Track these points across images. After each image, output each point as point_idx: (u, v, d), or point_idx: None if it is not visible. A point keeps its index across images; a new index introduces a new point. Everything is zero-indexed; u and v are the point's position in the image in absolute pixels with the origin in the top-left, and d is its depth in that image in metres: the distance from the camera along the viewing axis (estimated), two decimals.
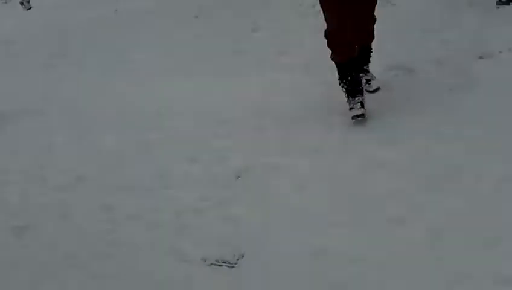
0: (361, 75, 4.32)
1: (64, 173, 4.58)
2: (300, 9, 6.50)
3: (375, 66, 4.61)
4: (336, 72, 4.23)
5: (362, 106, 4.06)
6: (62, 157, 4.86)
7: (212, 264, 3.21)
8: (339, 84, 4.22)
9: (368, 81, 4.44)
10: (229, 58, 6.01)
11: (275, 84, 5.15)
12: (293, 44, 5.91)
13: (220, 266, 3.19)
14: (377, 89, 4.46)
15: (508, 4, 5.28)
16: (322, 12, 4.10)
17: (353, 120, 4.06)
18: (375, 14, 4.18)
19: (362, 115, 4.03)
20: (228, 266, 3.16)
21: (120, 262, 3.43)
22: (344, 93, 4.18)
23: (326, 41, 4.14)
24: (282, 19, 6.65)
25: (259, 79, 5.43)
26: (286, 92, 4.89)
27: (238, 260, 3.19)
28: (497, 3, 5.31)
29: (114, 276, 3.33)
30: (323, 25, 4.15)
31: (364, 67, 4.45)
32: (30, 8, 13.67)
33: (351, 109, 4.08)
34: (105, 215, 3.91)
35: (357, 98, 4.08)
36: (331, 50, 4.15)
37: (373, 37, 4.33)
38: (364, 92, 4.25)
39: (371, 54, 4.49)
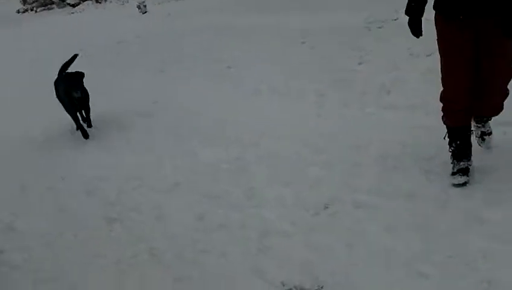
0: (476, 125, 4.03)
1: (163, 177, 4.83)
2: (412, 50, 6.42)
3: None
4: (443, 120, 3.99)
5: (466, 173, 3.78)
6: (163, 161, 5.13)
7: (290, 289, 3.23)
8: (446, 141, 3.97)
9: (482, 134, 4.07)
10: (331, 88, 6.07)
11: (376, 121, 5.14)
12: (399, 82, 5.87)
13: None
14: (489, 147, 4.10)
15: None
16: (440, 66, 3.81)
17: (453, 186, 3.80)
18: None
19: (464, 184, 3.75)
20: None
21: (203, 270, 3.54)
22: (450, 154, 3.94)
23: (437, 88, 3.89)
24: (391, 56, 6.63)
25: (360, 113, 5.45)
26: (387, 130, 4.85)
27: None
28: None
29: (196, 281, 3.44)
30: (438, 71, 4.03)
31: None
32: (146, 12, 14.59)
33: (453, 174, 3.81)
34: (197, 223, 4.05)
35: (462, 163, 3.80)
36: (443, 113, 3.88)
37: (501, 109, 3.88)
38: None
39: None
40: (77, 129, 6.09)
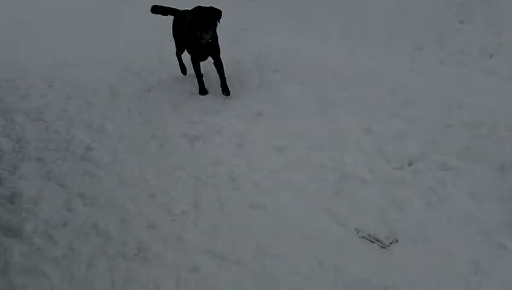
0: None
1: (247, 105, 4.90)
2: None
3: None
4: None
5: None
6: (248, 91, 5.14)
7: (364, 237, 3.24)
8: None
9: None
10: (429, 43, 5.82)
11: (472, 84, 4.94)
12: (503, 48, 5.56)
13: (371, 242, 3.20)
14: None
15: None
16: None
17: None
18: None
19: None
20: (380, 245, 3.17)
21: (278, 201, 3.60)
22: None
23: None
24: (498, 19, 6.24)
25: (456, 73, 5.23)
26: (482, 95, 4.67)
27: (391, 243, 3.18)
28: None
29: (269, 210, 3.51)
30: None
31: None
32: None
33: None
34: (277, 155, 4.10)
35: None
36: None
37: None
38: None
39: None
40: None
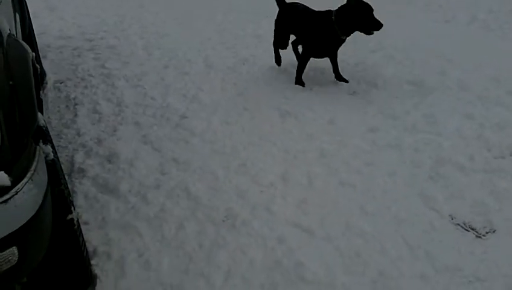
0: None
1: (339, 87, 4.78)
2: None
3: None
4: None
5: None
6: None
7: (458, 224, 3.10)
8: None
9: None
10: None
11: None
12: None
13: (466, 230, 3.06)
14: None
15: None
16: None
17: None
18: None
19: None
20: (475, 235, 3.02)
21: (366, 179, 3.52)
22: None
23: None
24: None
25: None
26: None
27: (487, 233, 3.03)
28: None
29: (359, 189, 3.45)
30: None
31: None
32: None
33: None
34: (369, 135, 4.01)
35: None
36: None
37: None
38: None
39: None
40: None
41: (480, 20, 5.97)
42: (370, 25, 4.45)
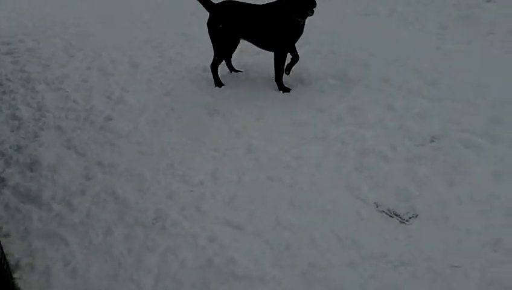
0: None
1: (266, 79, 4.82)
2: None
3: None
4: None
5: None
6: (267, 62, 5.11)
7: (383, 211, 3.20)
8: None
9: None
10: (456, 22, 5.70)
11: (499, 64, 4.82)
12: None
13: (390, 217, 3.16)
14: None
15: None
16: None
17: None
18: None
19: None
20: (399, 220, 3.13)
21: (296, 175, 3.57)
22: None
23: None
24: None
25: (483, 53, 5.11)
26: (510, 76, 4.54)
27: (410, 218, 3.14)
28: None
29: (287, 184, 3.49)
30: None
31: None
32: None
33: None
34: (295, 129, 4.07)
35: None
36: None
37: None
38: None
39: None
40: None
41: (399, 13, 6.18)
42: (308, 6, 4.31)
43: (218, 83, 4.81)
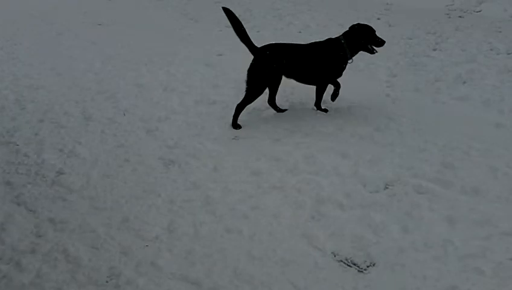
0: None
1: (223, 129, 4.85)
2: (493, 45, 6.12)
3: None
4: None
5: None
6: (225, 112, 5.13)
7: (341, 261, 3.20)
8: None
9: None
10: (404, 69, 5.90)
11: (446, 110, 5.01)
12: (475, 75, 5.68)
13: (349, 266, 3.16)
14: None
15: None
16: None
17: None
18: None
19: None
20: (357, 270, 3.13)
21: (254, 226, 3.54)
22: None
23: None
24: (469, 47, 6.37)
25: (431, 100, 5.30)
26: (456, 121, 4.74)
27: (368, 267, 3.15)
28: None
29: (245, 235, 3.45)
30: None
31: None
32: None
33: None
34: (252, 179, 4.06)
35: None
36: None
37: None
38: None
39: None
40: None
41: None
42: (375, 43, 4.95)
43: (236, 125, 4.93)
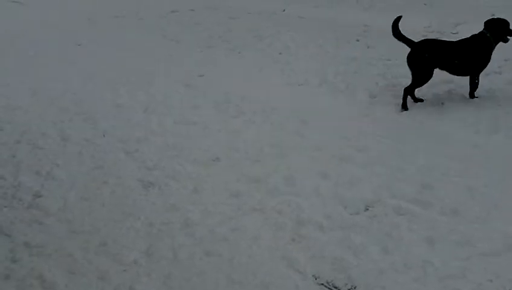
0: None
1: (203, 150, 4.90)
2: None
3: None
4: None
5: None
6: (205, 133, 5.15)
7: (322, 284, 3.19)
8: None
9: None
10: (384, 90, 5.97)
11: (426, 130, 5.07)
12: (452, 95, 5.76)
13: (330, 289, 3.15)
14: None
15: None
16: None
17: None
18: None
19: None
20: None
21: (234, 249, 3.52)
22: None
23: None
24: None
25: (410, 120, 5.36)
26: (437, 141, 4.79)
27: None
28: None
29: (225, 258, 3.42)
30: None
31: None
32: None
33: None
34: (232, 201, 4.04)
35: None
36: None
37: None
38: None
39: None
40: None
41: (330, 82, 6.41)
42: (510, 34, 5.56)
43: (405, 106, 5.59)
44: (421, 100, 5.75)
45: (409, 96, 5.68)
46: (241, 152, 4.78)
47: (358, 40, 8.07)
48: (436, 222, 3.67)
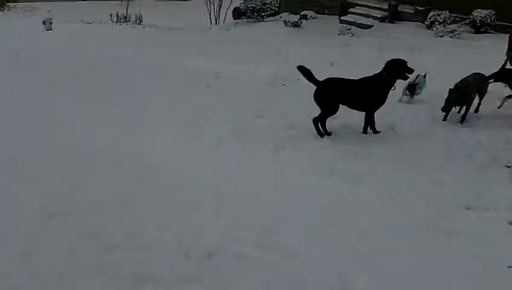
0: None
1: (39, 205, 4.52)
2: (309, 112, 6.60)
3: None
4: None
5: None
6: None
7: None
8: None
9: None
10: (231, 136, 6.08)
11: (271, 175, 5.21)
12: (295, 140, 6.04)
13: None
14: None
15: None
16: None
17: None
18: None
19: None
20: None
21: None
22: None
23: None
24: (289, 114, 6.81)
25: (257, 166, 5.49)
26: (283, 180, 4.94)
27: None
28: None
29: None
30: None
31: None
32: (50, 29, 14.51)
33: None
34: (68, 261, 3.78)
35: None
36: None
37: None
38: None
39: None
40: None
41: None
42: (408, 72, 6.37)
43: (321, 133, 6.27)
44: (329, 134, 6.29)
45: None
46: (80, 206, 4.51)
47: (208, 86, 8.25)
48: (275, 265, 3.72)
